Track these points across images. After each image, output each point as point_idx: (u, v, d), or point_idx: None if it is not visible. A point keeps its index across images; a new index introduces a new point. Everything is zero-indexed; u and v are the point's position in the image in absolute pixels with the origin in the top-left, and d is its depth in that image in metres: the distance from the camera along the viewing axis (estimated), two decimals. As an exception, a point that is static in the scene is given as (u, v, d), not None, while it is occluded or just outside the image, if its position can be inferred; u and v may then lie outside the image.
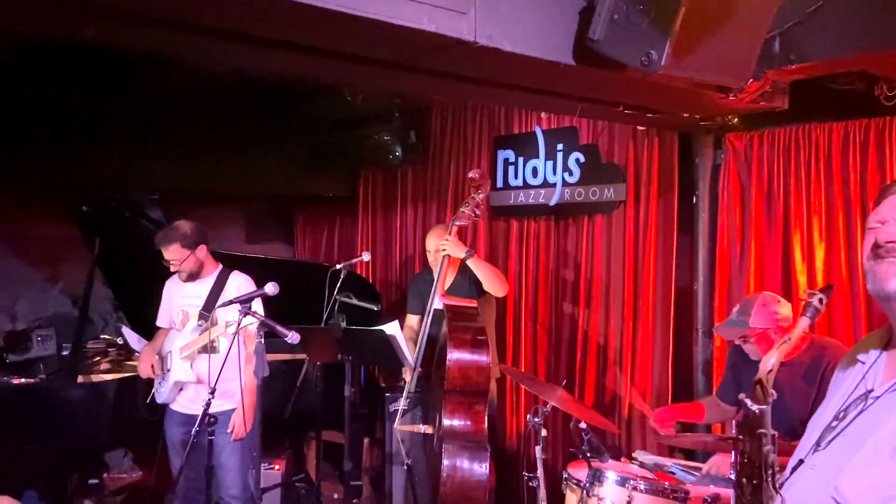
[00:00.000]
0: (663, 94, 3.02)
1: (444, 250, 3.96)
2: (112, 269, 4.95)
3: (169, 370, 3.82)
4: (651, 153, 4.35)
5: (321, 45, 2.40)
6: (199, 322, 3.68)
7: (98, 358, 4.98)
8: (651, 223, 4.35)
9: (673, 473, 3.39)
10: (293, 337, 3.13)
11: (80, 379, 4.37)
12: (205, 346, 3.65)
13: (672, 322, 4.29)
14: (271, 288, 3.23)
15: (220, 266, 3.89)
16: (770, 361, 1.41)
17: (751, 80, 2.50)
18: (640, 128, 4.33)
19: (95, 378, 4.50)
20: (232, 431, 3.66)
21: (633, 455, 3.71)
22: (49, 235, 5.62)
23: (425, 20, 2.09)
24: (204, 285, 3.82)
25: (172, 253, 3.71)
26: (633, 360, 4.43)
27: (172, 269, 3.78)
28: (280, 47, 2.42)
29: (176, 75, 4.47)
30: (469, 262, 4.01)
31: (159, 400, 3.90)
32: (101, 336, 5.41)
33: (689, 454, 3.90)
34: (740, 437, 1.48)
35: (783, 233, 3.80)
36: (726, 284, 4.03)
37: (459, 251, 3.98)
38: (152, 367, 3.86)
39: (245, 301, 3.20)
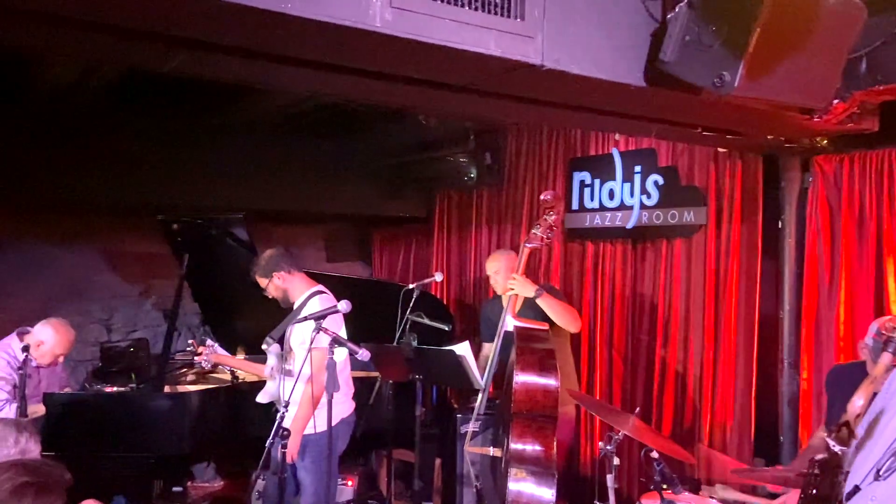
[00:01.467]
0: (742, 116, 2.93)
1: (511, 290, 3.85)
2: (199, 285, 5.18)
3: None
4: (734, 176, 4.22)
5: (391, 72, 2.46)
6: (264, 346, 3.79)
7: (184, 369, 5.19)
8: (733, 248, 4.21)
9: (754, 511, 3.24)
10: (363, 354, 3.17)
11: (166, 389, 4.58)
12: (281, 368, 3.76)
13: (756, 352, 4.12)
14: (344, 305, 3.30)
15: (313, 289, 3.88)
16: (857, 404, 1.36)
17: (835, 101, 2.39)
18: (721, 150, 4.21)
19: (181, 389, 4.70)
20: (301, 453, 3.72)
21: (714, 489, 3.57)
22: (143, 252, 5.94)
23: (492, 45, 2.12)
24: (295, 307, 3.89)
25: (259, 282, 3.88)
26: (713, 391, 4.27)
27: (268, 296, 3.91)
28: (354, 74, 2.49)
29: (260, 102, 4.68)
30: (539, 302, 3.84)
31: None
32: (188, 348, 5.64)
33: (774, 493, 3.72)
34: (816, 473, 1.43)
35: (875, 260, 3.61)
36: (814, 313, 3.85)
37: (528, 290, 3.83)
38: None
39: (318, 318, 3.27)
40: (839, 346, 3.71)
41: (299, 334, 3.60)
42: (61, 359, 4.31)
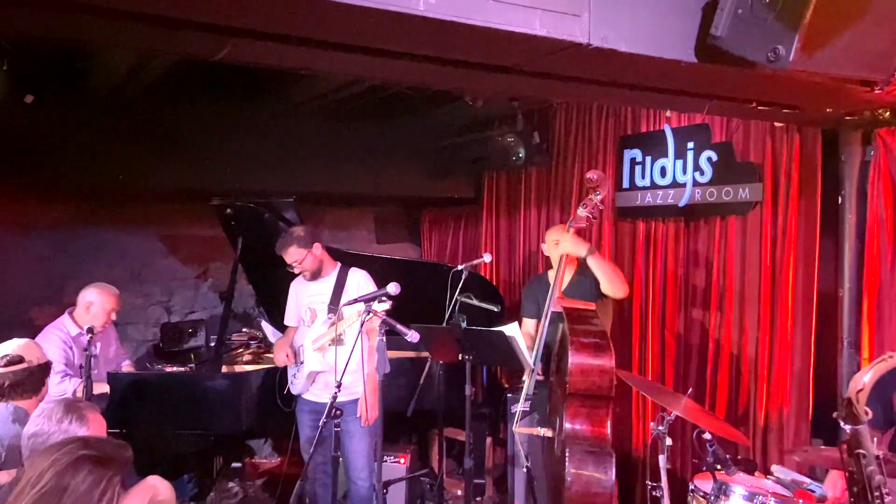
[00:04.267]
0: (799, 90, 2.84)
1: (563, 250, 3.90)
2: (253, 268, 5.30)
3: (302, 363, 4.12)
4: (791, 150, 4.09)
5: (436, 54, 2.46)
6: (329, 316, 3.91)
7: (241, 350, 5.33)
8: (791, 225, 4.09)
9: (813, 492, 3.19)
10: (412, 336, 3.22)
11: (224, 369, 4.71)
12: (334, 338, 3.87)
13: (814, 332, 4.01)
14: (393, 288, 3.34)
15: (339, 264, 4.17)
16: (863, 380, 1.35)
17: (897, 72, 2.29)
18: (778, 124, 4.08)
19: (238, 369, 4.84)
20: (360, 417, 3.90)
21: (771, 470, 3.52)
22: (199, 236, 6.11)
23: (537, 25, 2.09)
24: (327, 283, 4.10)
25: (292, 255, 4.02)
26: (769, 372, 4.18)
27: (296, 270, 4.08)
28: (401, 58, 2.50)
29: (309, 87, 4.74)
30: (589, 260, 3.86)
31: (294, 391, 4.22)
32: (244, 330, 5.79)
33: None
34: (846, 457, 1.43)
35: (941, 235, 3.47)
36: (875, 291, 3.72)
37: (579, 249, 3.86)
38: (287, 355, 4.20)
39: (368, 300, 3.33)
40: (902, 325, 3.60)
41: (352, 311, 3.71)
42: (114, 315, 4.43)
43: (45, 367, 3.21)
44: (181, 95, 4.86)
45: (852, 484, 1.39)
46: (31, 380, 3.09)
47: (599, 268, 3.89)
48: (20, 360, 3.10)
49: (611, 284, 3.90)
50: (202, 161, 5.23)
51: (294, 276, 4.21)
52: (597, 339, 3.57)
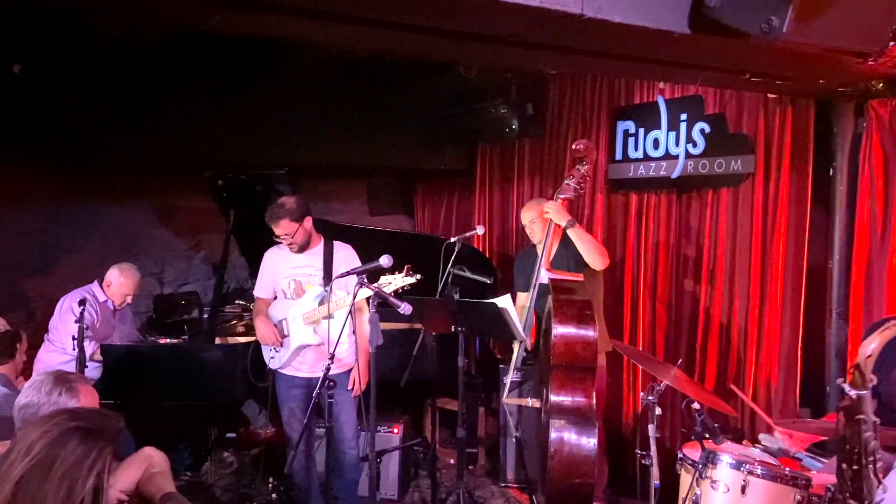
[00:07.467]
0: (793, 61, 2.84)
1: (547, 213, 3.97)
2: (246, 239, 5.29)
3: (287, 336, 3.96)
4: (784, 122, 4.10)
5: (431, 24, 2.44)
6: (324, 290, 3.85)
7: (234, 322, 5.34)
8: (782, 197, 4.12)
9: (799, 460, 3.25)
10: (405, 308, 3.23)
11: (217, 341, 4.73)
12: (328, 312, 3.85)
13: (803, 302, 4.06)
14: (385, 260, 3.34)
15: (322, 237, 4.01)
16: (870, 347, 1.36)
17: (891, 43, 2.29)
18: (771, 96, 4.08)
19: (231, 340, 4.85)
20: (351, 389, 3.89)
21: (758, 439, 3.58)
22: (192, 208, 6.07)
23: (531, -5, 2.08)
24: (314, 256, 3.95)
25: (283, 228, 3.83)
26: (758, 342, 4.24)
27: (284, 243, 3.90)
28: (393, 28, 2.49)
29: (302, 59, 4.68)
30: (569, 232, 3.96)
31: (274, 366, 4.02)
32: (237, 301, 5.79)
33: (820, 442, 3.70)
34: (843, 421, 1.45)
35: (932, 208, 3.49)
36: (864, 263, 3.76)
37: (561, 218, 3.95)
38: (274, 334, 3.95)
39: (361, 272, 3.33)
40: (890, 296, 3.64)
41: (344, 285, 3.71)
42: (129, 299, 4.70)
43: (14, 334, 3.40)
44: (174, 66, 4.79)
45: (844, 448, 1.42)
46: (4, 345, 3.31)
47: (579, 238, 3.97)
48: None
49: (590, 255, 3.97)
50: (195, 133, 5.17)
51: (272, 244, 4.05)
52: (580, 311, 3.61)
